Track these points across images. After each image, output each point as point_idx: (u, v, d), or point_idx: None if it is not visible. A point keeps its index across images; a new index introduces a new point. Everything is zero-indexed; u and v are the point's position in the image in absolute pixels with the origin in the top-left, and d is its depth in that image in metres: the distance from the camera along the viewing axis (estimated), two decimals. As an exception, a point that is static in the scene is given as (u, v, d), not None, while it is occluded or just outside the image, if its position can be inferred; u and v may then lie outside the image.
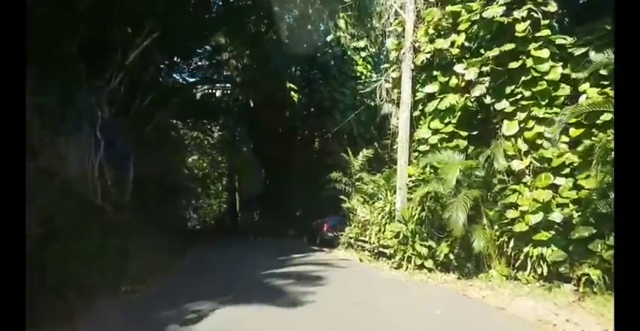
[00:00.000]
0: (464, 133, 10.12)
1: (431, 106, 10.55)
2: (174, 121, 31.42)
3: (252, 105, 30.19)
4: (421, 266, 9.93)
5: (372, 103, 24.10)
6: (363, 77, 23.73)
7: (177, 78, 20.94)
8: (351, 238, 14.25)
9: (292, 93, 28.35)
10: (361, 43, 23.98)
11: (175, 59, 16.94)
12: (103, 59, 12.92)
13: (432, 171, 10.35)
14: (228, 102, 31.45)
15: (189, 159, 48.35)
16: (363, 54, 24.01)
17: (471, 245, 9.19)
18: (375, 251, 12.01)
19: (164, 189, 20.12)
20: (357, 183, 14.95)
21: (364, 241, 13.00)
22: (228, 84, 32.21)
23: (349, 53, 23.59)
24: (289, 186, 24.80)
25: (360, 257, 12.50)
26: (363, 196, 13.88)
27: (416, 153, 11.09)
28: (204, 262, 13.10)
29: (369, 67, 24.21)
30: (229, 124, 33.09)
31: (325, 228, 17.89)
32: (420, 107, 11.09)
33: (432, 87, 10.61)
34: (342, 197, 15.85)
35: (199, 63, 22.27)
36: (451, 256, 9.64)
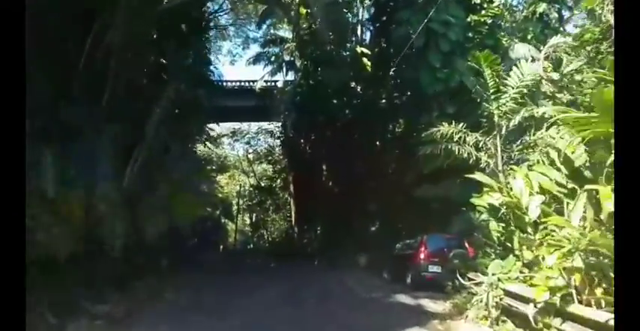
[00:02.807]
0: None
1: None
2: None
3: (311, 82, 22.31)
4: None
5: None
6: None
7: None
8: (523, 301, 4.46)
9: (364, 59, 20.15)
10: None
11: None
12: None
13: None
14: (290, 92, 24.03)
15: (259, 168, 43.15)
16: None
17: None
18: None
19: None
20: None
21: (576, 316, 3.43)
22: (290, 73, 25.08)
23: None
24: (360, 189, 16.24)
25: None
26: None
27: None
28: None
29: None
30: (290, 117, 24.85)
31: (422, 256, 10.06)
32: None
33: None
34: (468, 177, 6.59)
35: None
36: None
